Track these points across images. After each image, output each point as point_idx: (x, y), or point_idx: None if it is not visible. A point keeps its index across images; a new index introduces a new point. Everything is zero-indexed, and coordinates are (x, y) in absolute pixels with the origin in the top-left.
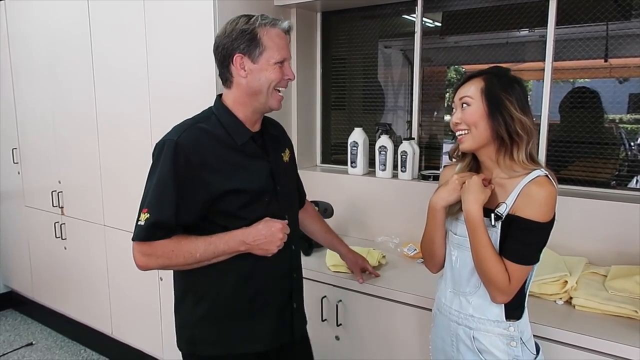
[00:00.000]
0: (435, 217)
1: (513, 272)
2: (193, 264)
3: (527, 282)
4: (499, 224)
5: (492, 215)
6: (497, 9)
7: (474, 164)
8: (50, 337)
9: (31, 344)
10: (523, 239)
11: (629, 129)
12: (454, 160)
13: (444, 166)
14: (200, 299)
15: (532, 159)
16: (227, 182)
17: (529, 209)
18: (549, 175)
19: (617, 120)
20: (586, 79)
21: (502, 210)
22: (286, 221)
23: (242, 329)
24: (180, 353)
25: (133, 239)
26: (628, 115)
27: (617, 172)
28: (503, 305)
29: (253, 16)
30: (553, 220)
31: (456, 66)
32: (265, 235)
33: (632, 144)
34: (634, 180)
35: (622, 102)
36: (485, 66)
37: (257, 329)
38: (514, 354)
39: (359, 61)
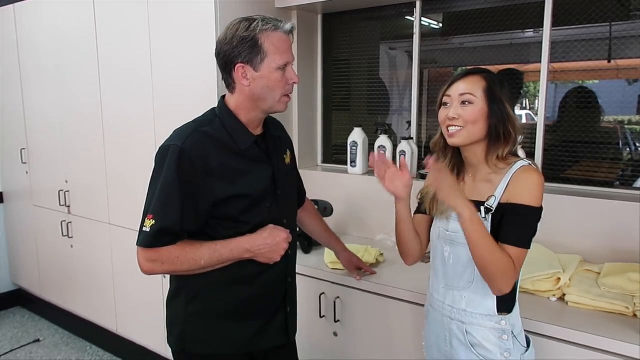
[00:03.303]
0: (396, 211)
1: (514, 256)
2: (197, 271)
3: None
4: (489, 217)
5: (482, 208)
6: (496, 10)
7: (456, 161)
8: (57, 334)
9: (38, 340)
10: (519, 223)
11: (638, 130)
12: (436, 152)
13: None
14: (193, 298)
15: (515, 154)
16: (231, 188)
17: (521, 194)
18: (532, 164)
19: (625, 122)
20: (594, 81)
21: (492, 203)
22: (289, 230)
23: (233, 330)
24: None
25: (138, 245)
26: (637, 116)
27: (621, 173)
28: (495, 298)
29: (254, 21)
30: (542, 209)
31: (463, 67)
32: (270, 244)
33: (637, 144)
34: (639, 181)
35: (631, 103)
36: (490, 68)
37: (247, 330)
38: (505, 347)
39: (360, 63)
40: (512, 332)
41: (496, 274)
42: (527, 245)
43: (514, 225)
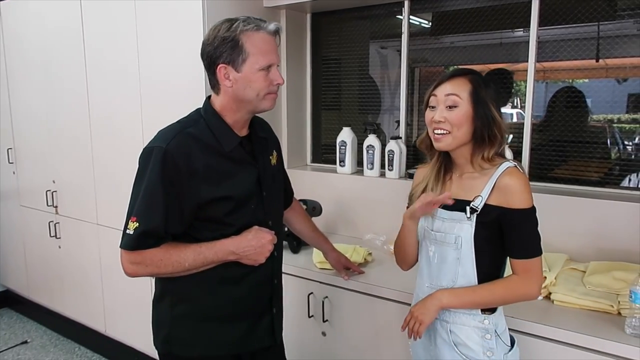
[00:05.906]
0: (405, 226)
1: (532, 266)
2: (182, 273)
3: (501, 275)
4: (474, 217)
5: (468, 208)
6: (485, 10)
7: (443, 159)
8: (45, 335)
9: (26, 342)
10: (523, 231)
11: (627, 128)
12: (422, 151)
13: (417, 167)
14: (179, 301)
15: (500, 155)
16: (215, 190)
17: (512, 199)
18: (517, 166)
19: (615, 120)
20: (583, 80)
21: (478, 203)
22: (273, 232)
23: (219, 332)
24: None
25: (121, 247)
26: (626, 115)
27: (608, 171)
28: None
29: (236, 21)
30: (535, 208)
31: (453, 66)
32: (255, 246)
33: (626, 143)
34: (627, 179)
35: (620, 102)
36: (480, 66)
37: (234, 332)
38: (488, 346)
39: (350, 62)
40: (495, 331)
41: (519, 299)
42: (538, 253)
43: (519, 236)
